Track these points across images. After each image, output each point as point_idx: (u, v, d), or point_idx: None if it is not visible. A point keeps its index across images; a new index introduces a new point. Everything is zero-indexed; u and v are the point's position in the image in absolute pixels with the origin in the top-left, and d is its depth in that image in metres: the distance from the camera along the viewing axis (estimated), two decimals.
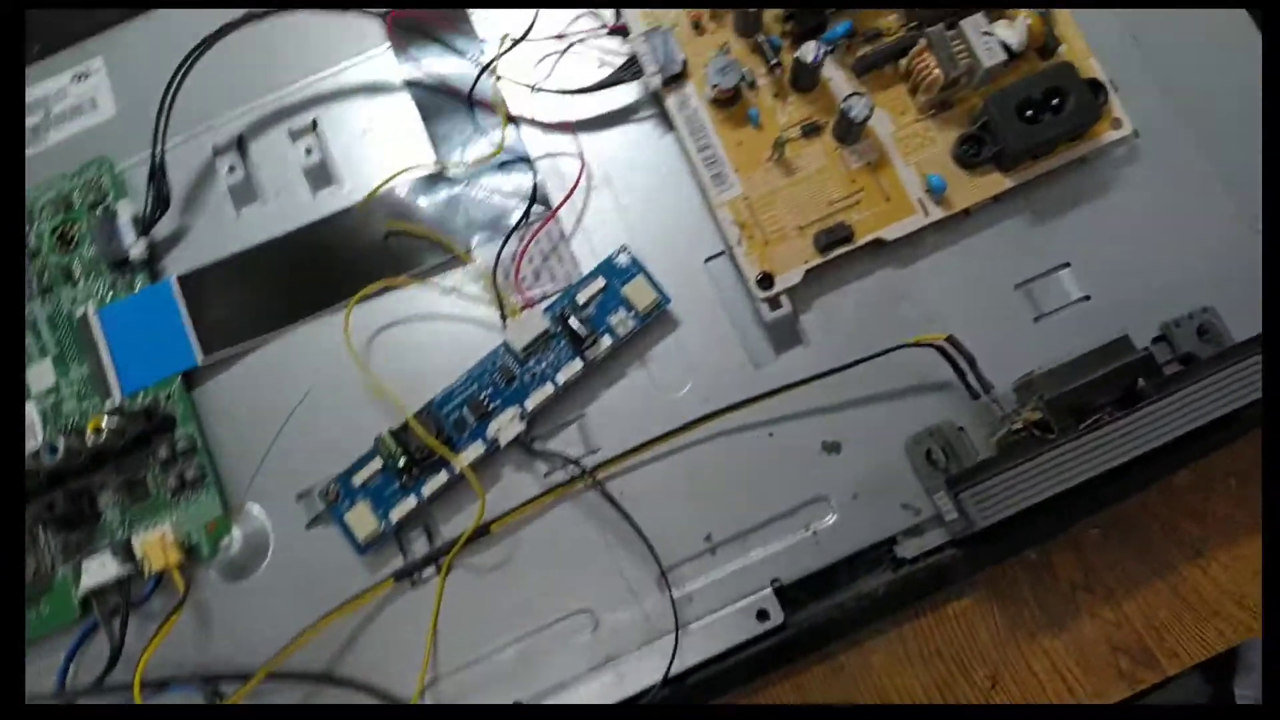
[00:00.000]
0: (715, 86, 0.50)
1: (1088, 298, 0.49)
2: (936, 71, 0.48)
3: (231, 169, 0.54)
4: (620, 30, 0.53)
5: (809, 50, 0.49)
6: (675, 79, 0.51)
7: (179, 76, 0.52)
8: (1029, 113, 0.48)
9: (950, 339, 0.46)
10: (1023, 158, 0.48)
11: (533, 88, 0.53)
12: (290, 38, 0.55)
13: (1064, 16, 0.50)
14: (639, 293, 0.50)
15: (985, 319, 0.49)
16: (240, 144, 0.55)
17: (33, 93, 0.57)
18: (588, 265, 0.51)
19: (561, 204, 0.52)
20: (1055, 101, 0.48)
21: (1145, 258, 0.49)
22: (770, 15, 0.51)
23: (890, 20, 0.51)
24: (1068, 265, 0.49)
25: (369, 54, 0.56)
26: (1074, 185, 0.50)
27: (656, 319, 0.50)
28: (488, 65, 0.53)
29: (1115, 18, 0.52)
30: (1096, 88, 0.49)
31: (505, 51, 0.53)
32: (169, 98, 0.52)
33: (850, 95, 0.47)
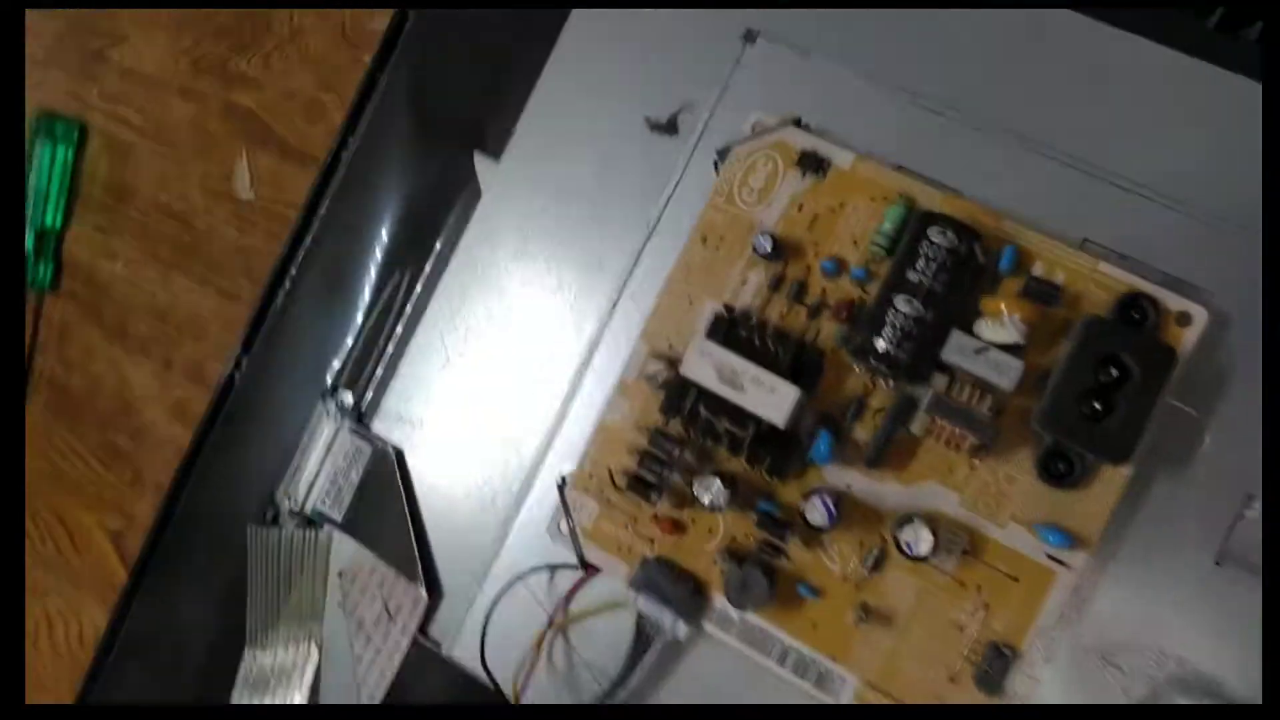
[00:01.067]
0: (746, 600, 0.39)
1: None
2: (964, 435, 0.37)
3: None
4: (592, 573, 0.43)
5: (818, 513, 0.38)
6: (696, 612, 0.41)
7: None
8: (1095, 405, 0.36)
9: None
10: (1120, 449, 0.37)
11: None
12: None
13: (1034, 242, 0.39)
14: None
15: (1219, 626, 0.37)
16: None
17: None
18: None
19: None
20: (1114, 371, 0.36)
21: None
22: (739, 465, 0.41)
23: (859, 380, 0.40)
24: (1252, 498, 0.38)
25: None
26: (1195, 398, 0.38)
27: None
28: None
29: (1073, 184, 0.40)
30: (1135, 308, 0.37)
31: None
32: None
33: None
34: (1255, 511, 0.38)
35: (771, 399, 0.38)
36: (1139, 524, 0.39)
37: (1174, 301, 0.37)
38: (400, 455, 0.48)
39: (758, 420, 0.38)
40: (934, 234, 0.37)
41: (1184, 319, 0.37)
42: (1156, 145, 0.40)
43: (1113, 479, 0.37)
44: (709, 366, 0.39)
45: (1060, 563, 0.38)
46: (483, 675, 0.44)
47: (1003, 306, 0.37)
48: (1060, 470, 0.38)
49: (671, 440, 0.41)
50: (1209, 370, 0.38)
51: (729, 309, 0.41)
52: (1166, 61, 0.40)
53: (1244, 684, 0.37)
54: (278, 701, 0.48)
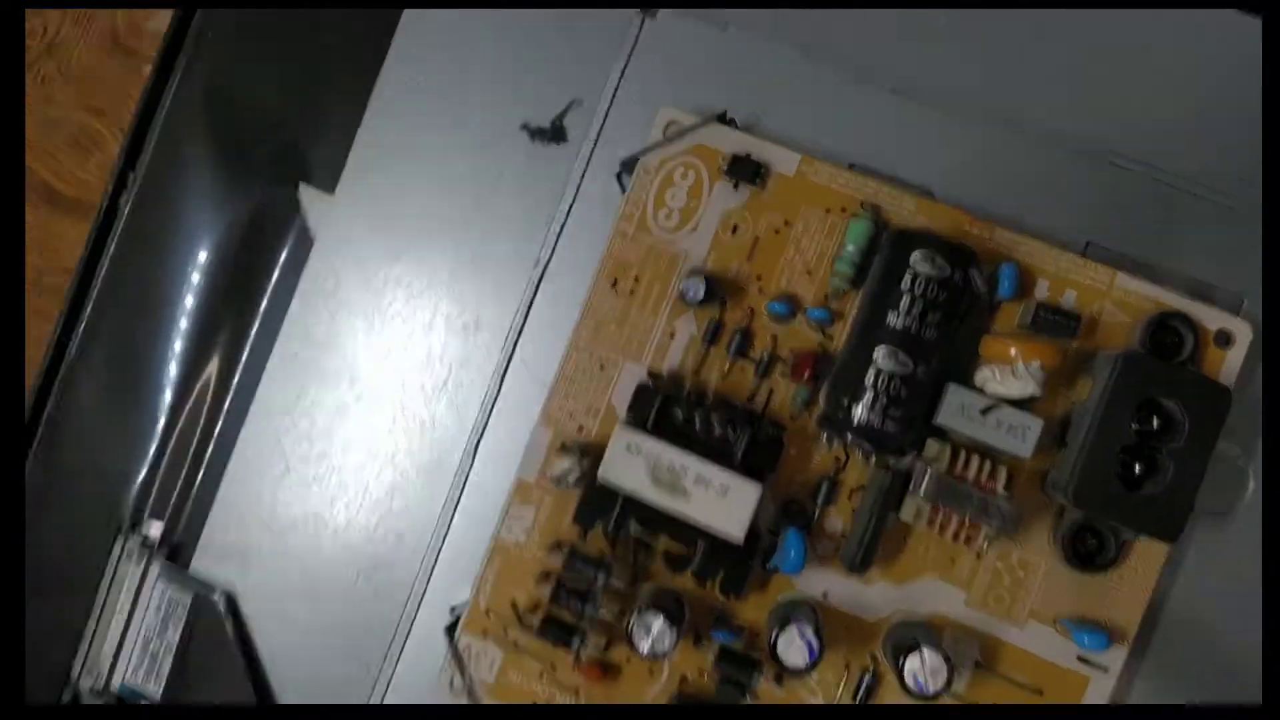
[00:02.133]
0: None
1: None
2: (977, 525, 0.28)
3: None
4: None
5: (795, 651, 0.29)
6: None
7: None
8: (1138, 467, 0.28)
9: None
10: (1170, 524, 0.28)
11: None
12: None
13: (1036, 253, 0.30)
14: None
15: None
16: None
17: None
18: None
19: None
20: (1156, 422, 0.28)
21: None
22: (683, 582, 0.31)
23: (830, 455, 0.31)
24: None
25: None
26: (1234, 429, 0.31)
27: None
28: None
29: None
30: (1169, 332, 0.29)
31: None
32: None
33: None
34: None
35: (724, 504, 0.29)
36: (1180, 594, 0.31)
37: (1210, 318, 0.30)
38: (232, 601, 0.36)
39: (709, 535, 0.29)
40: (919, 261, 0.28)
41: (1224, 339, 0.30)
42: (1165, 118, 0.32)
43: (1152, 553, 0.30)
44: (638, 465, 0.29)
45: (1095, 665, 0.30)
46: None
47: (1013, 351, 0.28)
48: (1090, 548, 0.30)
49: (591, 563, 0.31)
50: (1250, 401, 0.31)
51: (654, 376, 0.32)
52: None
53: None
54: None
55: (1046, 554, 0.30)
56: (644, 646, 0.29)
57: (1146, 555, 0.30)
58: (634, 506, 0.29)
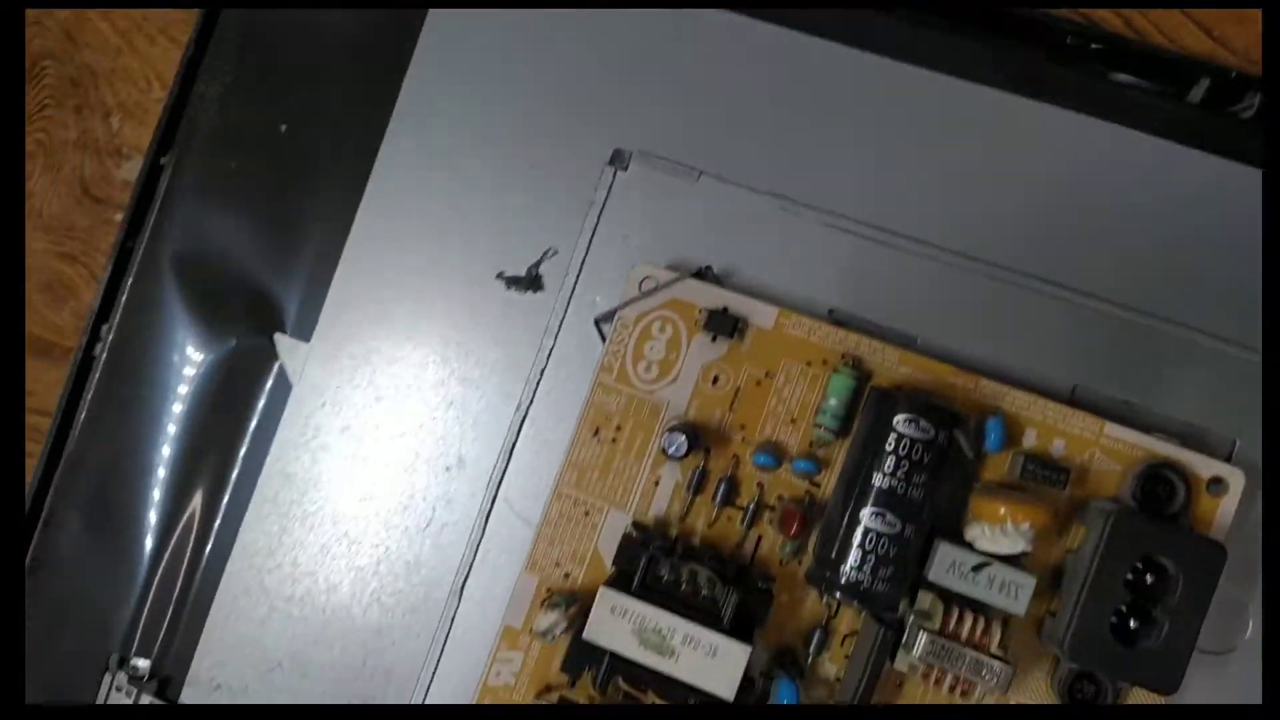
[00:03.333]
0: None
1: None
2: (973, 685, 0.28)
3: None
4: None
5: None
6: None
7: None
8: (1133, 623, 0.28)
9: None
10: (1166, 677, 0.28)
11: None
12: None
13: (1023, 406, 0.30)
14: None
15: None
16: None
17: None
18: None
19: None
20: (1149, 577, 0.27)
21: None
22: None
23: (819, 602, 0.30)
24: None
25: None
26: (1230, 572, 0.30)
27: None
28: None
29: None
30: (1160, 482, 0.29)
31: None
32: None
33: None
34: None
35: (713, 665, 0.28)
36: None
37: (1203, 466, 0.29)
38: None
39: (700, 693, 0.28)
40: (902, 424, 0.28)
41: (1218, 486, 0.29)
42: (1146, 257, 0.32)
43: (1150, 699, 0.29)
44: (624, 627, 0.28)
45: None
46: None
47: (1004, 511, 0.28)
48: (1088, 694, 0.29)
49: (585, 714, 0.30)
50: (1244, 536, 0.30)
51: (640, 526, 0.31)
52: (1152, 150, 0.32)
53: None
54: None
55: (1044, 699, 0.29)
56: None
57: (1145, 700, 0.29)
58: (621, 664, 0.29)
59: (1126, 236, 0.32)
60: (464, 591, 0.34)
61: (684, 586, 0.29)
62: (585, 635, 0.29)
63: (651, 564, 0.29)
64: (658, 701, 0.29)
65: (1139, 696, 0.29)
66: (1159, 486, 0.29)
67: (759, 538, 0.31)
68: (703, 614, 0.28)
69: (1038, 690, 0.29)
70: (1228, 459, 0.30)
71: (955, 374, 0.30)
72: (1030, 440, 0.30)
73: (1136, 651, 0.27)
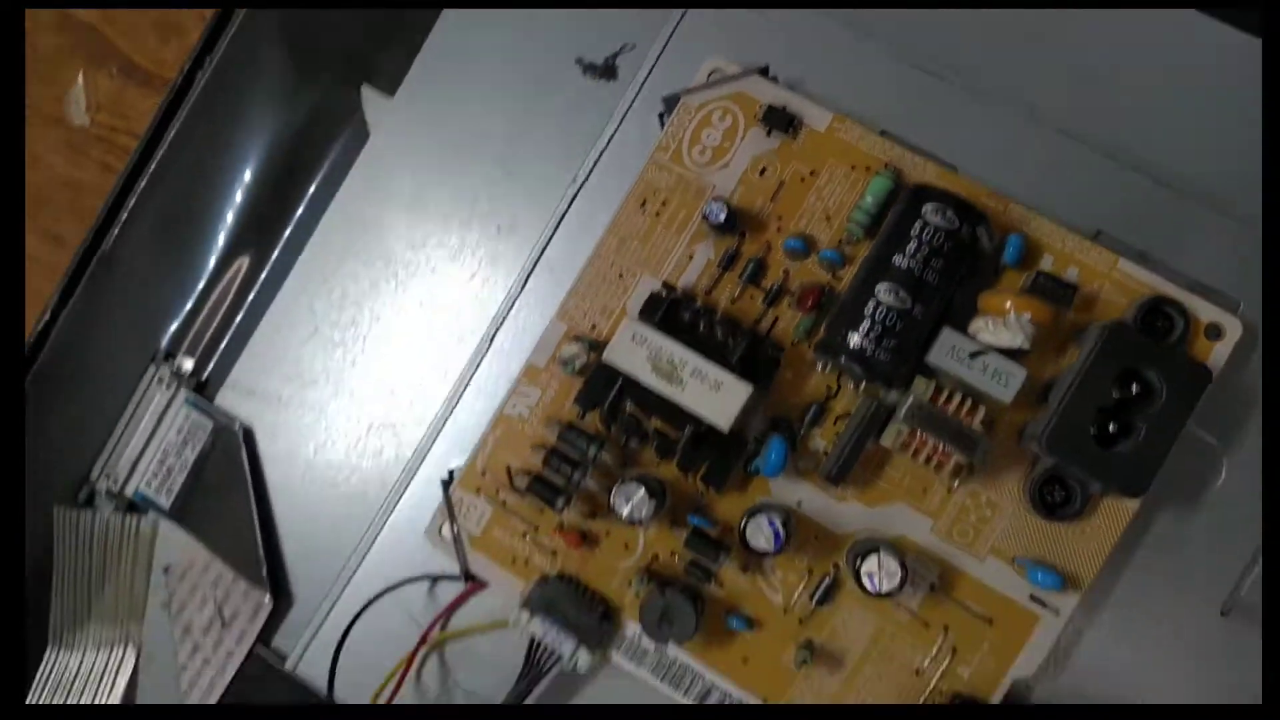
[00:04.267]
0: (668, 634, 0.31)
1: None
2: (949, 453, 0.30)
3: None
4: (477, 588, 0.35)
5: (763, 537, 0.30)
6: (603, 640, 0.33)
7: None
8: (1111, 426, 0.30)
9: None
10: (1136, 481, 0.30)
11: None
12: None
13: (1046, 232, 0.32)
14: None
15: (1216, 682, 0.32)
16: None
17: None
18: None
19: None
20: (1135, 387, 0.29)
21: None
22: (668, 471, 0.33)
23: (821, 381, 0.33)
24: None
25: None
26: (1212, 422, 0.32)
27: None
28: None
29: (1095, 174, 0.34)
30: (1161, 316, 0.31)
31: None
32: None
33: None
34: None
35: (715, 397, 0.30)
36: (1137, 565, 0.32)
37: (1205, 311, 0.31)
38: (249, 434, 0.38)
39: (697, 421, 0.30)
40: (930, 212, 0.30)
41: (1214, 332, 0.31)
42: (1186, 129, 0.34)
43: (1116, 513, 0.31)
44: (641, 353, 0.31)
45: (1045, 605, 0.31)
46: (333, 695, 0.35)
47: (1009, 304, 0.30)
48: (1056, 499, 0.31)
49: (587, 437, 0.32)
50: (1232, 392, 0.32)
51: (668, 287, 0.33)
52: (1209, 34, 0.34)
53: None
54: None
55: (1015, 500, 0.31)
56: (623, 510, 0.30)
57: (1111, 515, 0.31)
58: (632, 389, 0.31)
59: (1172, 111, 0.34)
60: (494, 340, 0.36)
61: (700, 331, 0.31)
62: (605, 356, 0.31)
63: (675, 307, 0.32)
64: (659, 427, 0.31)
65: (1106, 511, 0.31)
66: (1159, 320, 0.31)
67: (776, 318, 0.33)
68: (714, 353, 0.31)
69: (1010, 491, 0.31)
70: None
71: (989, 195, 0.32)
72: (1047, 264, 0.32)
73: (1111, 454, 0.29)
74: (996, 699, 0.31)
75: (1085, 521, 0.31)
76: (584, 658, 0.32)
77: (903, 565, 0.30)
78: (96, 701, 0.38)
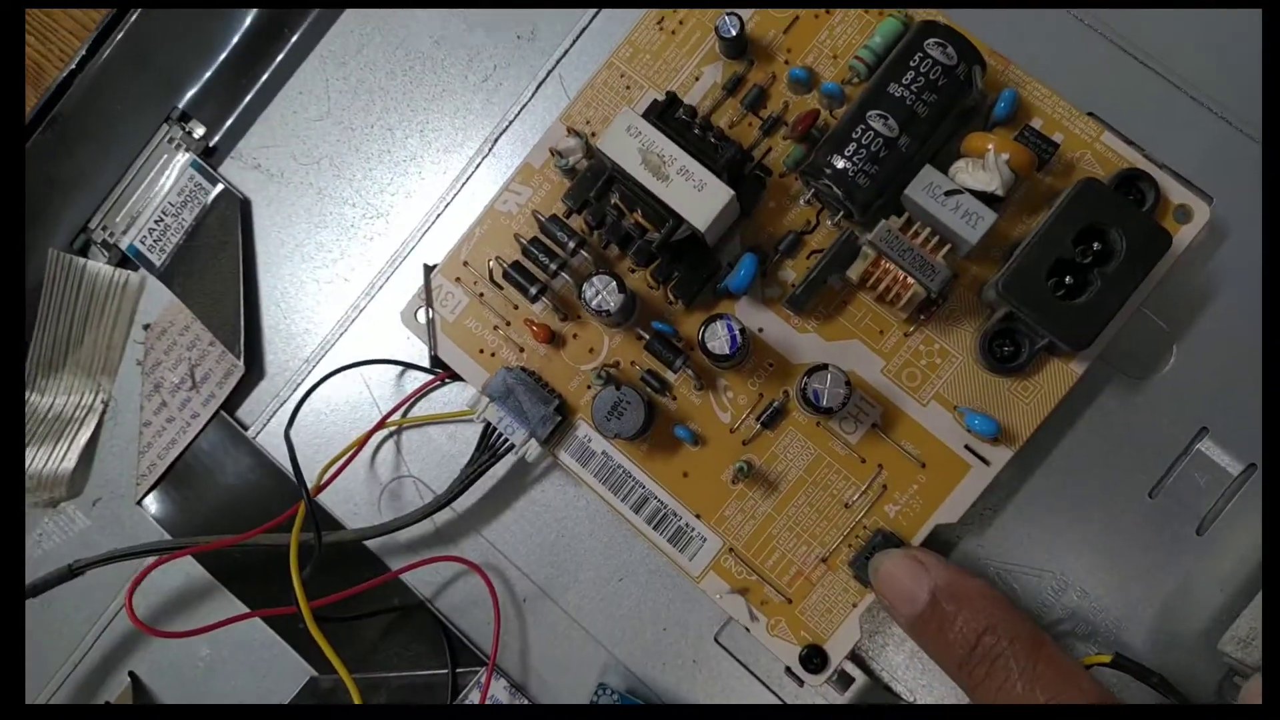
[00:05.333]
0: (615, 427, 0.32)
1: (1254, 466, 0.32)
2: (910, 284, 0.30)
3: None
4: (451, 376, 0.35)
5: (720, 339, 0.31)
6: (553, 433, 0.33)
7: None
8: (1068, 279, 0.30)
9: (1118, 659, 0.29)
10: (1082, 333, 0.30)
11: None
12: None
13: (1039, 95, 0.32)
14: None
15: (1133, 562, 0.32)
16: None
17: None
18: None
19: (494, 654, 0.34)
20: (1096, 245, 0.29)
21: None
22: (641, 282, 0.33)
23: (800, 215, 0.33)
24: (1204, 432, 0.32)
25: None
26: (1168, 312, 0.32)
27: None
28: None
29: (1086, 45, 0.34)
30: (1133, 189, 0.31)
31: (316, 490, 0.35)
32: None
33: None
34: (1207, 445, 0.32)
35: (698, 197, 0.30)
36: (1075, 436, 0.32)
37: (1176, 192, 0.31)
38: (247, 206, 0.38)
39: (677, 220, 0.31)
40: (931, 47, 0.30)
41: (1183, 214, 0.31)
42: (1188, 27, 0.34)
43: (1060, 374, 0.31)
44: (633, 145, 0.31)
45: (979, 457, 0.31)
46: (287, 464, 0.35)
47: (991, 145, 0.30)
48: (1004, 353, 0.31)
49: (569, 233, 0.33)
50: (1190, 283, 0.32)
51: (671, 96, 0.33)
52: None
53: (1145, 638, 0.32)
54: (44, 451, 0.38)
55: (965, 351, 0.32)
56: (592, 297, 0.31)
57: (1056, 377, 0.31)
58: (620, 179, 0.31)
59: (1185, 12, 0.34)
60: (498, 143, 0.37)
61: (694, 134, 0.31)
62: (598, 143, 0.31)
63: (673, 109, 0.32)
64: (641, 224, 0.31)
65: (1051, 372, 0.31)
66: (1131, 193, 0.31)
67: (770, 148, 0.33)
68: (703, 156, 0.31)
69: (962, 343, 0.32)
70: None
71: (992, 54, 0.32)
72: (1035, 126, 0.32)
73: (1064, 305, 0.29)
74: (917, 541, 0.31)
75: (1030, 379, 0.31)
76: (534, 449, 0.33)
77: (848, 385, 0.30)
78: (57, 450, 0.38)
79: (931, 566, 0.28)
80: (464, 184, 0.37)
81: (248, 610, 0.35)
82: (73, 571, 0.34)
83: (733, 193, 0.30)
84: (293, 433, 0.34)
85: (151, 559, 0.33)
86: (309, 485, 0.33)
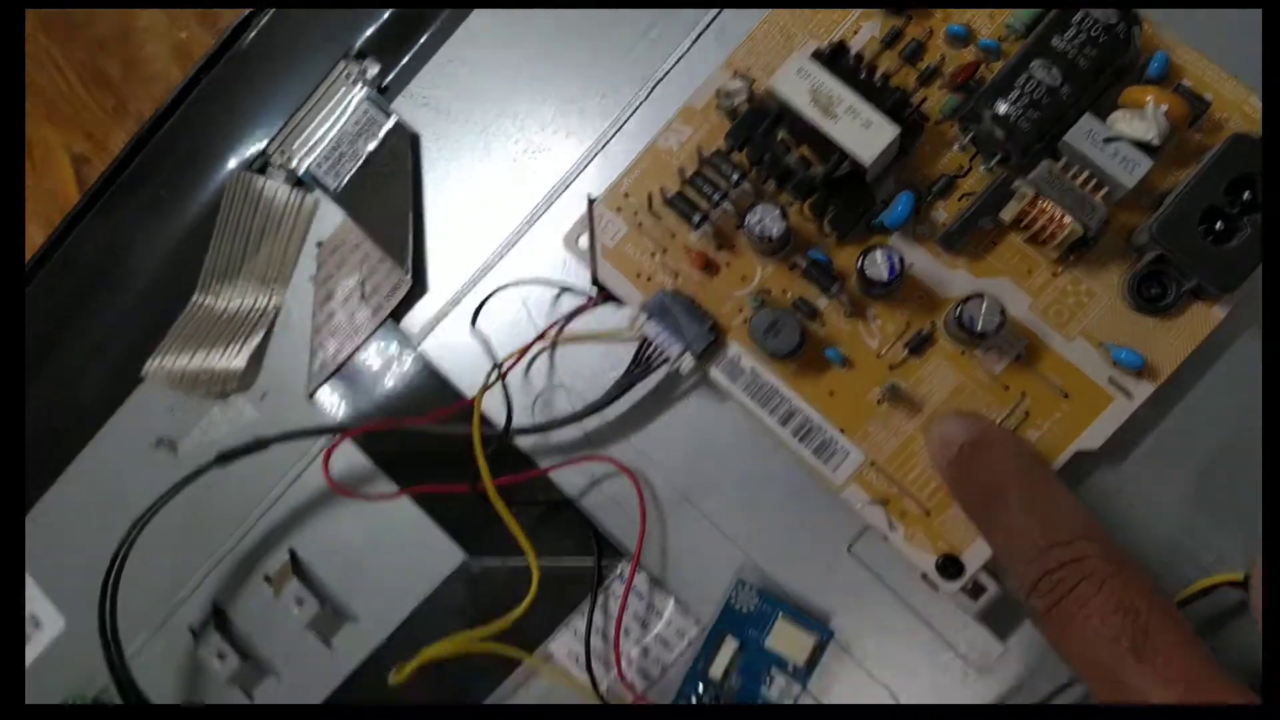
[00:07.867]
0: (771, 344, 0.33)
1: None
2: (1068, 222, 0.31)
3: (221, 656, 0.39)
4: (604, 299, 0.36)
5: (879, 266, 0.32)
6: (707, 349, 0.34)
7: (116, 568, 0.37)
8: (1218, 226, 0.30)
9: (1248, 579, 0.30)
10: (1230, 277, 0.31)
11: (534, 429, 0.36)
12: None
13: (1189, 58, 0.33)
14: (790, 640, 0.34)
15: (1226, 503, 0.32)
16: (219, 618, 0.39)
17: None
18: (703, 614, 0.35)
19: (639, 549, 0.36)
20: (1246, 195, 0.30)
21: None
22: (797, 215, 0.34)
23: (955, 160, 0.34)
24: None
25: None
26: None
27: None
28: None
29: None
30: None
31: (489, 385, 0.36)
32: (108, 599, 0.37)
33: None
34: None
35: (865, 134, 0.32)
36: (1209, 379, 0.33)
37: None
38: (416, 139, 0.40)
39: (841, 155, 0.32)
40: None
41: None
42: None
43: (1204, 317, 0.32)
44: (804, 86, 0.32)
45: (1121, 390, 0.32)
46: (448, 370, 0.37)
47: (1150, 97, 0.31)
48: (1152, 294, 0.32)
49: (731, 166, 0.34)
50: None
51: (834, 44, 0.34)
52: None
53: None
54: (216, 352, 0.40)
55: (1113, 292, 0.32)
56: (753, 223, 0.32)
57: (1199, 318, 0.32)
58: (788, 119, 0.32)
59: None
60: (654, 90, 0.38)
61: (861, 77, 0.33)
62: (770, 84, 0.32)
63: (840, 56, 0.33)
64: (806, 158, 0.32)
65: (1197, 313, 0.32)
66: None
67: (925, 98, 0.34)
68: (870, 97, 0.32)
69: (1110, 283, 0.32)
70: None
71: (1145, 19, 0.33)
72: (1187, 84, 0.32)
73: (1214, 249, 0.30)
74: (1059, 464, 0.32)
75: (1174, 319, 0.32)
76: (688, 361, 0.34)
77: (1003, 313, 0.31)
78: (230, 350, 0.40)
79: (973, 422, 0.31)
80: (622, 125, 0.38)
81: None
82: (259, 444, 0.36)
83: (899, 128, 0.31)
84: (456, 345, 0.36)
85: (336, 436, 0.36)
86: (480, 385, 0.35)
